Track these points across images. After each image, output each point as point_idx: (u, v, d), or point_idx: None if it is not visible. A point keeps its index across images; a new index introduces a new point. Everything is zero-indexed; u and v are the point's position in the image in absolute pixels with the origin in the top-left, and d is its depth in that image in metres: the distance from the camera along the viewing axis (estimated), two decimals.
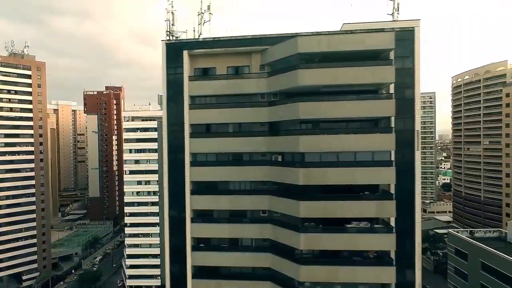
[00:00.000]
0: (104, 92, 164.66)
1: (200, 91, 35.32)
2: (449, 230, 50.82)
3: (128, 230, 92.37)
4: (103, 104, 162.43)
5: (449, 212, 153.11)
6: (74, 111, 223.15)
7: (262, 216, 35.17)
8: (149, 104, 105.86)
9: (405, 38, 32.68)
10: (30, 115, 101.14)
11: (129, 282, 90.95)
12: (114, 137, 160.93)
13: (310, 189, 31.96)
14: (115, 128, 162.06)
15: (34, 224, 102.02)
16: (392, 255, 32.80)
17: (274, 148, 33.79)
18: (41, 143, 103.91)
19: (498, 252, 40.68)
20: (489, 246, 43.85)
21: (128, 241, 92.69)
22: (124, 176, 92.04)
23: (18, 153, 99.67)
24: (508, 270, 39.09)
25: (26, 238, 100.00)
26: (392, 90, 32.68)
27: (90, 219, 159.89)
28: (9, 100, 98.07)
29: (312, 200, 31.11)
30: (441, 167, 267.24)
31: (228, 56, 35.27)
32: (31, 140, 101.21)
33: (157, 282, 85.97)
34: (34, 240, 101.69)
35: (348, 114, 30.62)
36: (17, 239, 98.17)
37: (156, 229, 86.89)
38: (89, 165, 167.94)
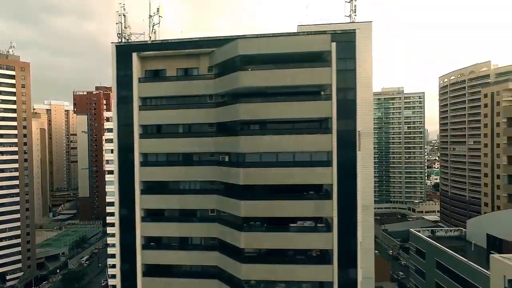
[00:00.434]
0: (94, 92, 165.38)
1: (150, 92, 35.98)
2: (412, 230, 51.40)
3: (110, 230, 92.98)
4: (93, 104, 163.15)
5: (438, 211, 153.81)
6: (67, 111, 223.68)
7: (210, 215, 35.80)
8: None
9: (347, 40, 33.20)
10: (14, 115, 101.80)
11: (110, 282, 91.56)
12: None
13: (257, 189, 32.64)
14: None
15: (18, 224, 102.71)
16: (336, 254, 33.49)
17: (221, 149, 34.44)
18: (25, 143, 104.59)
19: (450, 251, 41.30)
20: (448, 245, 44.45)
21: (110, 240, 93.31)
22: (106, 176, 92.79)
23: (2, 153, 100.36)
24: (458, 269, 39.71)
25: (10, 238, 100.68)
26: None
27: (80, 219, 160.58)
28: None
29: (253, 200, 31.70)
30: (434, 167, 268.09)
31: (178, 58, 35.90)
32: (15, 140, 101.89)
33: None
34: (18, 240, 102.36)
35: (287, 115, 31.27)
36: (0, 239, 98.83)
37: None
38: (79, 165, 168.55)
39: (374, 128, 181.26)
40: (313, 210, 31.11)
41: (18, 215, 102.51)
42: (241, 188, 31.94)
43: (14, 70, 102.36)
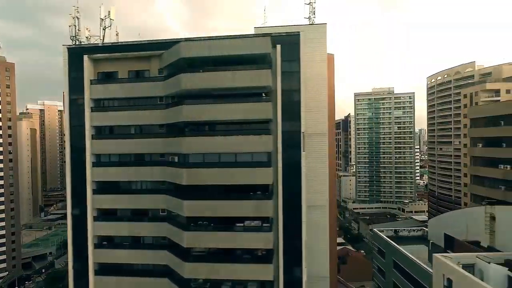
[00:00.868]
0: None
1: (102, 94, 36.54)
2: (375, 229, 51.91)
3: None
4: None
5: (426, 211, 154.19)
6: (60, 111, 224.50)
7: (161, 215, 36.32)
8: None
9: (291, 42, 33.76)
10: None
11: None
12: None
13: (205, 189, 33.12)
14: None
15: (3, 224, 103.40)
16: (281, 253, 34.08)
17: (169, 150, 35.00)
18: (10, 143, 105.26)
19: (403, 251, 41.77)
20: (409, 245, 44.92)
21: None
22: None
23: None
24: (410, 268, 40.20)
25: None
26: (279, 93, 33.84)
27: None
28: None
29: (196, 200, 32.26)
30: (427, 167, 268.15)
31: (130, 61, 36.48)
32: (0, 140, 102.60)
33: None
34: (3, 240, 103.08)
35: (229, 117, 31.82)
36: None
37: None
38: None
39: (365, 128, 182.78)
40: (253, 210, 31.59)
41: (3, 215, 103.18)
42: (186, 188, 32.52)
43: None
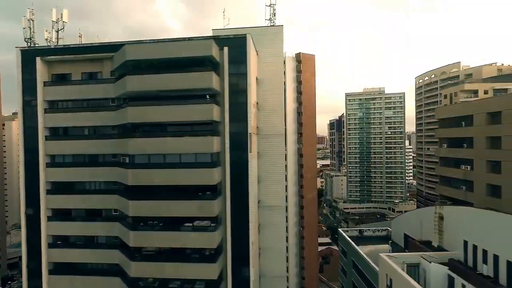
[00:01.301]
0: None
1: (55, 96, 37.07)
2: (340, 229, 52.26)
3: None
4: None
5: None
6: None
7: (113, 215, 36.79)
8: None
9: (238, 44, 34.17)
10: None
11: None
12: None
13: (151, 189, 33.61)
14: None
15: None
16: (229, 253, 34.57)
17: (119, 150, 35.47)
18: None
19: (359, 251, 42.14)
20: (373, 245, 45.24)
21: None
22: None
23: None
24: (365, 269, 40.58)
25: None
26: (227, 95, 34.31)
27: None
28: None
29: (141, 200, 32.74)
30: None
31: (83, 63, 36.98)
32: None
33: None
34: None
35: (172, 118, 32.31)
36: None
37: None
38: None
39: (356, 128, 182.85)
40: (197, 210, 32.03)
41: None
42: (133, 189, 33.05)
43: None
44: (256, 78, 41.34)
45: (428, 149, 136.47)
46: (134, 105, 32.61)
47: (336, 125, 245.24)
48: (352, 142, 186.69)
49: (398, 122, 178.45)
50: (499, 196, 41.86)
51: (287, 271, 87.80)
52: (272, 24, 46.91)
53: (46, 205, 37.02)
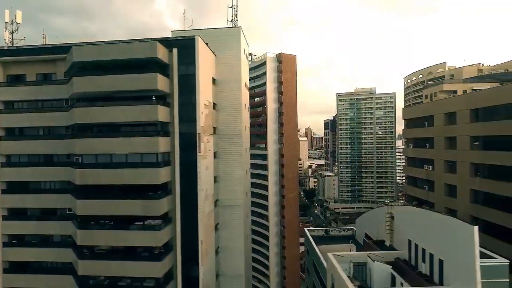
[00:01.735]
0: None
1: (10, 96, 37.54)
2: (305, 229, 52.61)
3: None
4: None
5: None
6: None
7: (68, 214, 37.22)
8: None
9: (187, 46, 34.61)
10: None
11: None
12: None
13: (102, 188, 34.02)
14: None
15: None
16: (179, 250, 35.02)
17: (71, 151, 35.89)
18: None
19: (316, 250, 42.49)
20: (338, 244, 45.57)
21: None
22: None
23: None
24: (320, 269, 40.96)
25: None
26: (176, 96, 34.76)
27: None
28: None
29: (88, 199, 33.18)
30: None
31: (37, 64, 37.44)
32: None
33: None
34: None
35: (117, 119, 32.78)
36: None
37: None
38: None
39: (346, 128, 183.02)
40: (142, 210, 32.43)
41: None
42: (84, 188, 33.55)
43: None
44: (214, 79, 41.83)
45: None
46: (80, 106, 33.07)
47: (330, 125, 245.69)
48: (344, 142, 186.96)
49: (389, 122, 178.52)
50: (455, 196, 42.17)
51: (268, 270, 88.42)
52: (234, 25, 47.47)
53: (1, 204, 37.49)
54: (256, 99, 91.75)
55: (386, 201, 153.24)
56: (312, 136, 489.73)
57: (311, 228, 54.10)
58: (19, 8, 38.89)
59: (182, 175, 34.90)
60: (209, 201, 38.29)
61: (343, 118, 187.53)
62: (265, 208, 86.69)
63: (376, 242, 39.69)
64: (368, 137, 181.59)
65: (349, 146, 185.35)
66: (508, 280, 24.80)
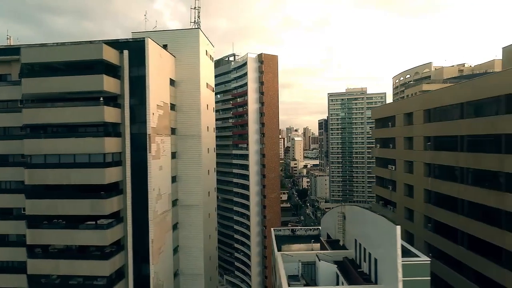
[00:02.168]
0: None
1: None
2: (273, 228, 52.97)
3: None
4: None
5: None
6: None
7: (23, 213, 37.60)
8: None
9: (138, 48, 35.02)
10: None
11: None
12: None
13: (57, 188, 34.49)
14: None
15: None
16: (130, 249, 35.48)
17: (22, 151, 36.17)
18: None
19: (275, 249, 42.84)
20: (303, 244, 45.93)
21: None
22: None
23: None
24: (276, 268, 41.32)
25: None
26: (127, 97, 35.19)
27: None
28: None
29: (37, 199, 33.63)
30: None
31: None
32: None
33: None
34: None
35: (67, 120, 33.21)
36: None
37: None
38: None
39: (338, 128, 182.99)
40: (89, 209, 32.87)
41: None
42: (34, 188, 34.01)
43: None
44: (173, 80, 42.28)
45: None
46: (29, 107, 33.53)
47: (324, 125, 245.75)
48: (335, 142, 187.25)
49: None
50: (412, 196, 42.49)
51: (250, 270, 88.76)
52: (197, 26, 47.89)
53: None
54: (238, 99, 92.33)
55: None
56: (309, 136, 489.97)
57: (278, 227, 54.34)
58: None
59: (133, 175, 35.37)
60: (164, 201, 38.73)
61: (334, 118, 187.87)
62: (247, 208, 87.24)
63: (332, 242, 40.05)
64: (359, 137, 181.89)
65: (340, 146, 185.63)
66: (429, 278, 25.17)
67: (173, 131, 42.31)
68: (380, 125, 53.57)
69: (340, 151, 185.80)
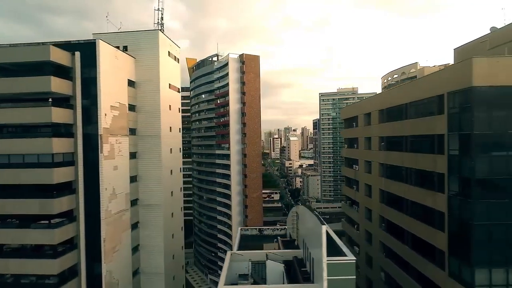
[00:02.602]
0: None
1: None
2: (239, 228, 53.28)
3: None
4: None
5: None
6: None
7: None
8: None
9: (89, 49, 35.39)
10: None
11: None
12: None
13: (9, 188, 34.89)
14: None
15: None
16: (82, 248, 35.89)
17: None
18: None
19: (235, 248, 43.19)
20: (271, 244, 46.31)
21: None
22: None
23: None
24: None
25: None
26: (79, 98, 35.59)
27: None
28: None
29: None
30: None
31: None
32: None
33: None
34: None
35: (15, 120, 33.66)
36: None
37: None
38: None
39: (329, 128, 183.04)
40: (38, 209, 33.20)
41: None
42: None
43: None
44: (132, 81, 42.62)
45: None
46: None
47: (318, 125, 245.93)
48: (326, 142, 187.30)
49: None
50: (371, 195, 42.79)
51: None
52: (161, 28, 48.28)
53: None
54: (220, 100, 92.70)
55: None
56: (307, 136, 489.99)
57: (246, 227, 54.68)
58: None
59: (86, 175, 35.74)
60: (120, 200, 39.10)
61: (326, 118, 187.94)
62: (230, 207, 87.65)
63: (289, 241, 40.38)
64: None
65: (332, 146, 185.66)
66: (355, 277, 25.48)
67: (133, 131, 42.67)
68: (347, 125, 53.87)
69: (332, 151, 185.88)
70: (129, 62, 41.72)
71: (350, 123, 51.85)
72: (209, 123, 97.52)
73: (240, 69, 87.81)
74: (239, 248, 41.95)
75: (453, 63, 39.59)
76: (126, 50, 42.88)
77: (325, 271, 24.37)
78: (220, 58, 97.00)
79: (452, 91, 25.24)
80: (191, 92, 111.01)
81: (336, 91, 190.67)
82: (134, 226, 42.86)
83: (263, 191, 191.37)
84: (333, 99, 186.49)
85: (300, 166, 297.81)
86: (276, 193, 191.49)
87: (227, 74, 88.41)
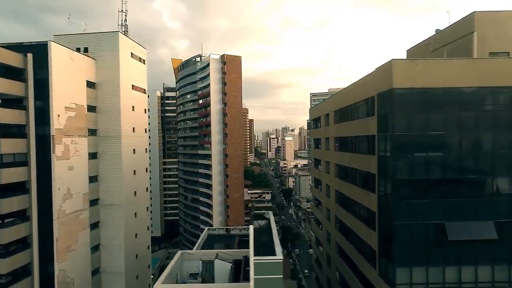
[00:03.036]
0: None
1: None
2: (206, 227, 53.65)
3: None
4: None
5: None
6: None
7: None
8: None
9: (41, 51, 35.72)
10: None
11: None
12: None
13: None
14: None
15: None
16: (35, 247, 36.19)
17: None
18: None
19: (196, 249, 43.49)
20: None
21: None
22: None
23: None
24: None
25: None
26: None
27: None
28: None
29: None
30: None
31: None
32: None
33: None
34: None
35: None
36: None
37: None
38: None
39: None
40: None
41: None
42: None
43: None
44: (92, 82, 42.93)
45: None
46: None
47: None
48: None
49: None
50: (329, 195, 43.04)
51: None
52: (125, 29, 48.58)
53: None
54: (202, 100, 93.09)
55: None
56: (305, 136, 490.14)
57: (213, 227, 55.02)
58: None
59: (39, 175, 36.07)
60: (76, 200, 39.37)
61: None
62: (211, 207, 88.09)
63: (247, 241, 40.75)
64: None
65: None
66: (282, 276, 25.83)
67: (93, 132, 42.99)
68: (314, 125, 54.17)
69: None
70: (88, 63, 42.02)
71: (316, 123, 52.16)
72: (193, 123, 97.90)
73: (222, 70, 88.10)
74: (203, 248, 42.40)
75: None
76: (87, 51, 43.20)
77: (252, 270, 24.76)
78: (203, 58, 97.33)
79: (379, 92, 25.55)
80: (177, 92, 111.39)
81: (327, 91, 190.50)
82: (95, 225, 43.16)
83: (254, 191, 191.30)
84: (324, 99, 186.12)
85: (296, 166, 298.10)
86: (267, 193, 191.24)
87: (208, 75, 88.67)
